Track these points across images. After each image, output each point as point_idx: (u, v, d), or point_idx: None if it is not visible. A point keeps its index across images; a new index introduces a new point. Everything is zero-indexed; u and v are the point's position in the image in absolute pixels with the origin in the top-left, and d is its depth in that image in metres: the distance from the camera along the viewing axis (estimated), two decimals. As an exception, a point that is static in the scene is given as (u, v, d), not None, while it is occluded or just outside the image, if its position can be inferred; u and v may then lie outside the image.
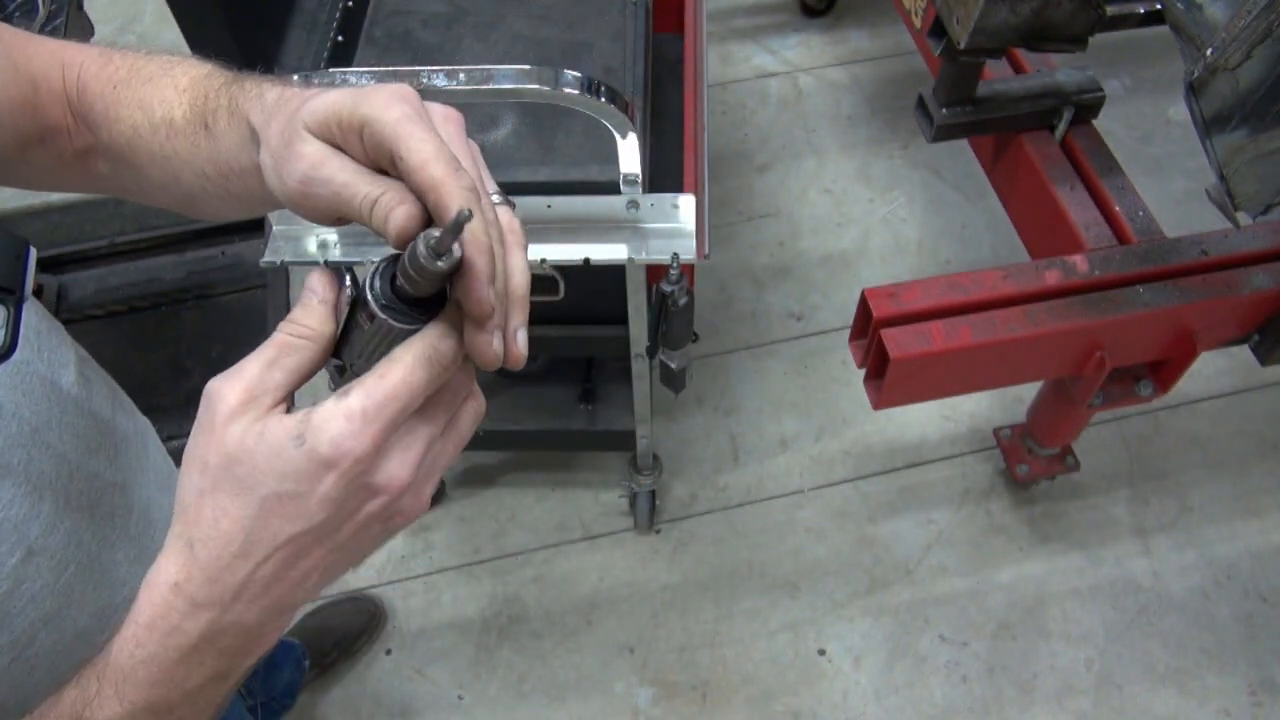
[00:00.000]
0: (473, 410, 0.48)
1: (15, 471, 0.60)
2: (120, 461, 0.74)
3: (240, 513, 0.44)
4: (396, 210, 0.45)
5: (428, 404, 0.45)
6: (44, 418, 0.64)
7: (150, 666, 0.47)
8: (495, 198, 0.50)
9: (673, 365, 1.45)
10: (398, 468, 0.44)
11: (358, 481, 0.44)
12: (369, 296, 0.45)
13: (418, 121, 0.46)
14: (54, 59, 0.70)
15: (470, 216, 0.42)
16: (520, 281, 0.47)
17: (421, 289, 0.44)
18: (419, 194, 0.45)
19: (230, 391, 0.44)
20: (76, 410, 0.68)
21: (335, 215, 0.50)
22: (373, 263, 0.46)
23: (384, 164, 0.47)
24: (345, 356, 0.47)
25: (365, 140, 0.47)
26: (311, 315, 0.46)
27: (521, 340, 0.47)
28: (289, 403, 0.45)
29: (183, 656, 0.47)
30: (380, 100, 0.47)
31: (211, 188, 0.64)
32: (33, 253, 0.53)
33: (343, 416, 0.42)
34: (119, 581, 0.71)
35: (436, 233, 0.42)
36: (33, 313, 0.67)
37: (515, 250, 0.47)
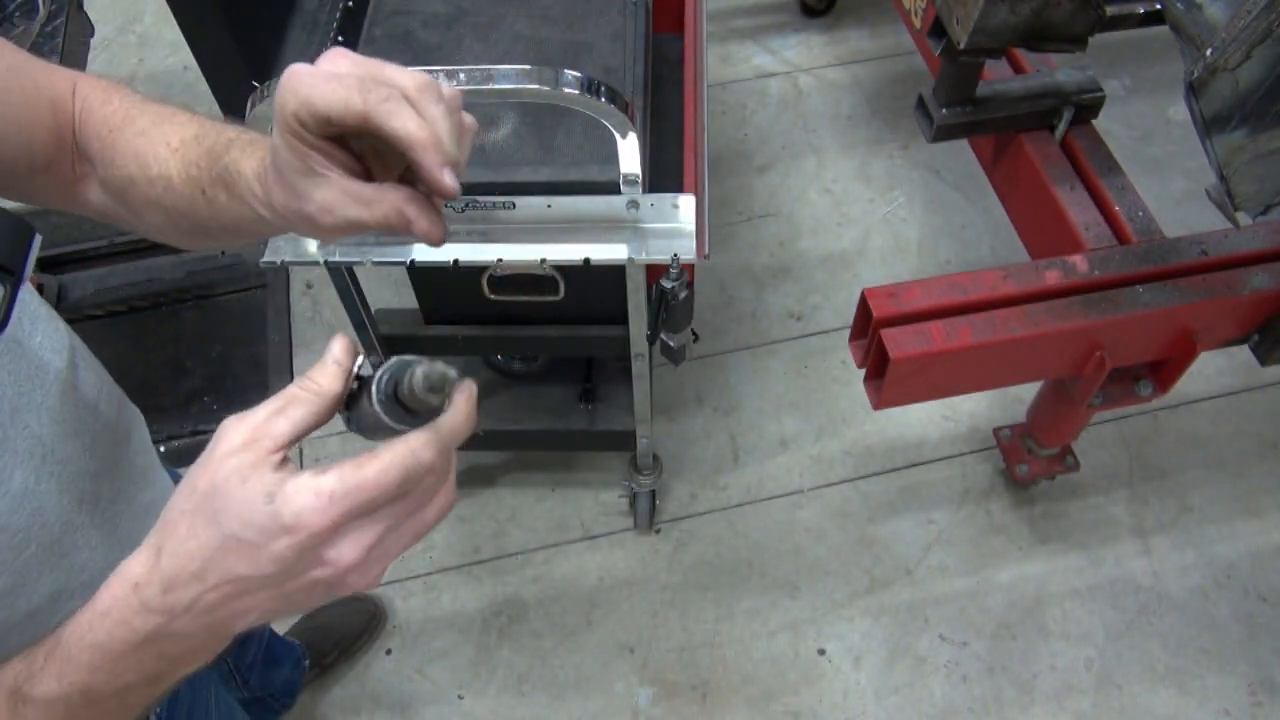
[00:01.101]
0: (440, 506, 0.51)
1: None
2: (97, 451, 0.75)
3: (206, 539, 0.47)
4: (417, 223, 0.55)
5: (394, 503, 0.48)
6: (26, 399, 0.66)
7: (95, 653, 0.50)
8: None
9: (672, 344, 1.47)
10: (349, 548, 0.47)
11: (310, 552, 0.46)
12: (374, 390, 0.48)
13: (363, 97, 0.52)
14: (66, 85, 0.73)
15: (456, 378, 0.48)
16: (447, 132, 0.53)
17: (416, 406, 0.48)
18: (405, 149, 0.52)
19: (235, 431, 0.48)
20: (60, 397, 0.70)
21: (359, 234, 0.58)
22: (395, 358, 0.50)
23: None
24: (352, 423, 0.51)
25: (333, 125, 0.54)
26: (324, 375, 0.50)
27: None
28: (287, 450, 0.48)
29: (126, 650, 0.50)
30: (322, 88, 0.53)
31: (214, 232, 0.70)
32: (37, 239, 0.55)
33: (312, 492, 0.45)
34: (78, 567, 0.73)
35: (432, 372, 0.46)
36: (33, 299, 0.69)
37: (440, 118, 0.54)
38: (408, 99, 0.53)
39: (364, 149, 0.58)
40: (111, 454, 0.78)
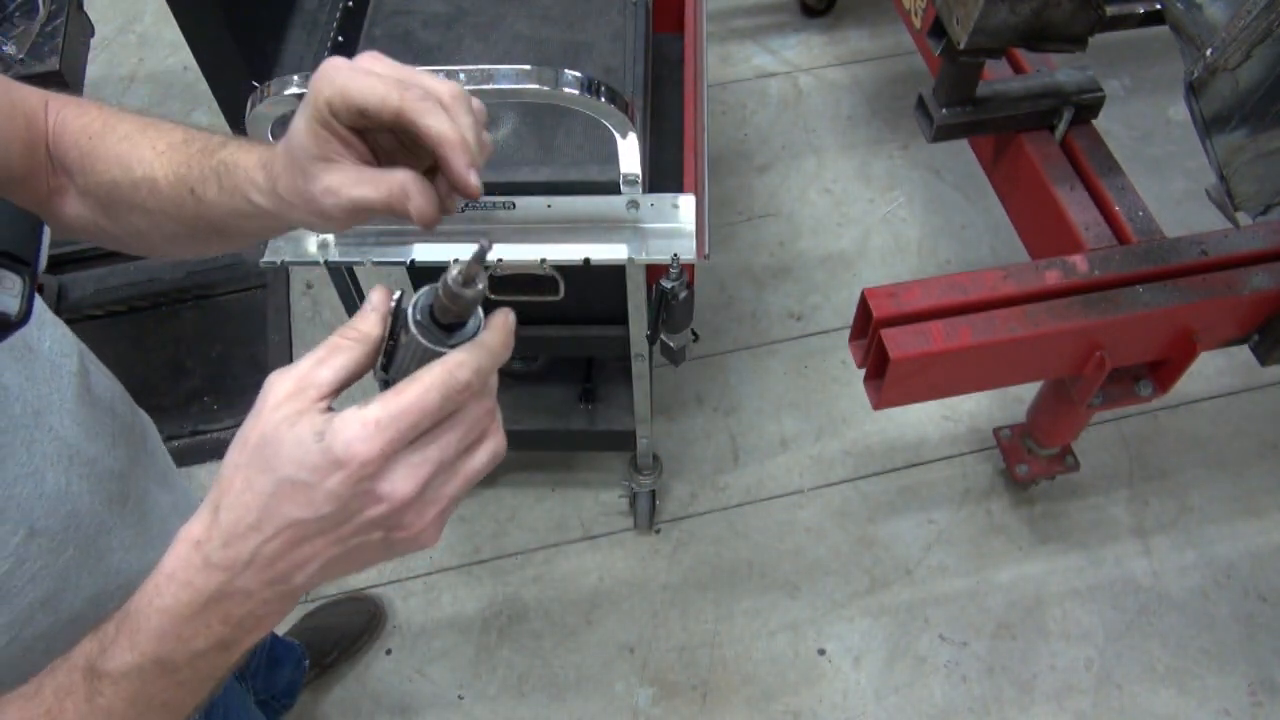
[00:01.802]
0: (490, 449, 0.52)
1: (18, 452, 0.63)
2: (118, 451, 0.76)
3: (261, 488, 0.48)
4: (414, 197, 0.56)
5: (442, 430, 0.49)
6: (46, 401, 0.66)
7: (163, 617, 0.50)
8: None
9: (672, 344, 1.48)
10: (401, 481, 0.47)
11: (363, 485, 0.47)
12: (409, 313, 0.50)
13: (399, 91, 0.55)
14: (39, 99, 0.74)
15: (489, 247, 0.48)
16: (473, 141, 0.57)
17: (453, 315, 0.49)
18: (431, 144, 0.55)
19: (281, 383, 0.49)
20: (77, 398, 0.70)
21: (359, 220, 0.60)
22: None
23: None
24: (389, 371, 0.52)
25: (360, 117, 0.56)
26: (363, 321, 0.51)
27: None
28: (332, 399, 0.49)
29: (192, 613, 0.50)
30: (360, 81, 0.56)
31: (198, 235, 0.71)
32: (46, 230, 0.56)
33: (358, 423, 0.46)
34: (114, 569, 0.73)
35: (461, 265, 0.48)
36: (39, 301, 0.69)
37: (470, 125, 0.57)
38: (441, 104, 0.56)
39: (384, 148, 0.61)
40: (132, 454, 0.79)
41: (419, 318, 0.50)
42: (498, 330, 0.51)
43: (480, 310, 0.52)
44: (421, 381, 0.47)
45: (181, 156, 0.68)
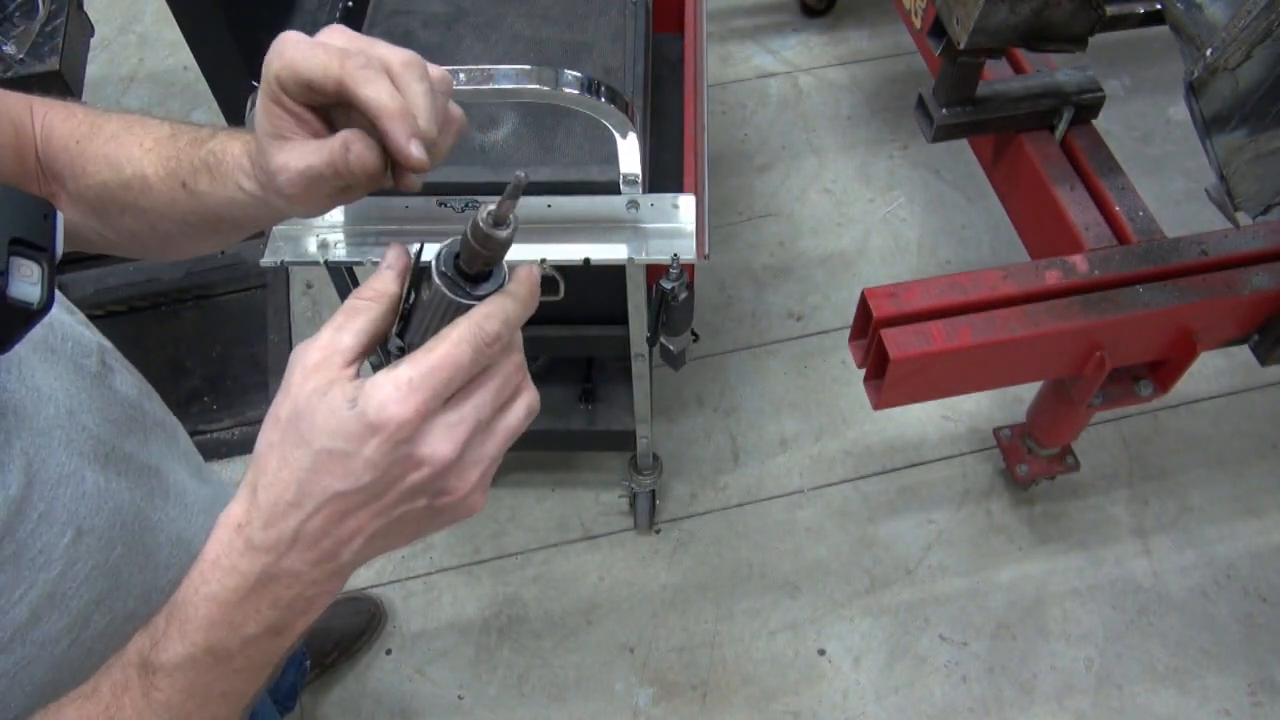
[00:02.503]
0: (525, 404, 0.51)
1: (57, 452, 0.62)
2: (151, 445, 0.76)
3: (298, 464, 0.47)
4: (353, 147, 0.54)
5: (476, 388, 0.48)
6: (77, 400, 0.66)
7: (211, 605, 0.49)
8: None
9: (672, 348, 1.47)
10: (440, 441, 0.47)
11: (401, 449, 0.46)
12: (433, 266, 0.48)
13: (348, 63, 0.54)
14: (24, 105, 0.73)
15: (526, 179, 0.47)
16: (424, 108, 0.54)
17: (482, 260, 0.48)
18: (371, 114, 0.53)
19: (306, 355, 0.48)
20: (104, 395, 0.70)
21: (327, 196, 0.59)
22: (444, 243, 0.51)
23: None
24: (406, 337, 0.50)
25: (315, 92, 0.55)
26: (379, 280, 0.50)
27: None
28: (359, 364, 0.48)
29: (240, 599, 0.49)
30: (306, 53, 0.54)
31: (192, 232, 0.70)
32: (60, 215, 0.54)
33: (390, 384, 0.45)
34: (161, 564, 0.73)
35: (492, 206, 0.46)
36: (58, 295, 0.68)
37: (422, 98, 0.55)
38: (390, 73, 0.53)
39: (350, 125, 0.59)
40: (166, 449, 0.78)
41: (443, 268, 0.48)
42: (523, 280, 0.50)
43: (504, 264, 0.50)
44: (449, 338, 0.46)
45: (169, 151, 0.67)
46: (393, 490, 0.47)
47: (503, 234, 0.47)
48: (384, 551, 0.51)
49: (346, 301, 0.49)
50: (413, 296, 0.50)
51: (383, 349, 0.51)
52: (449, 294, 0.48)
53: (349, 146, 0.54)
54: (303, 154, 0.56)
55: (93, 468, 0.65)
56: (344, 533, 0.48)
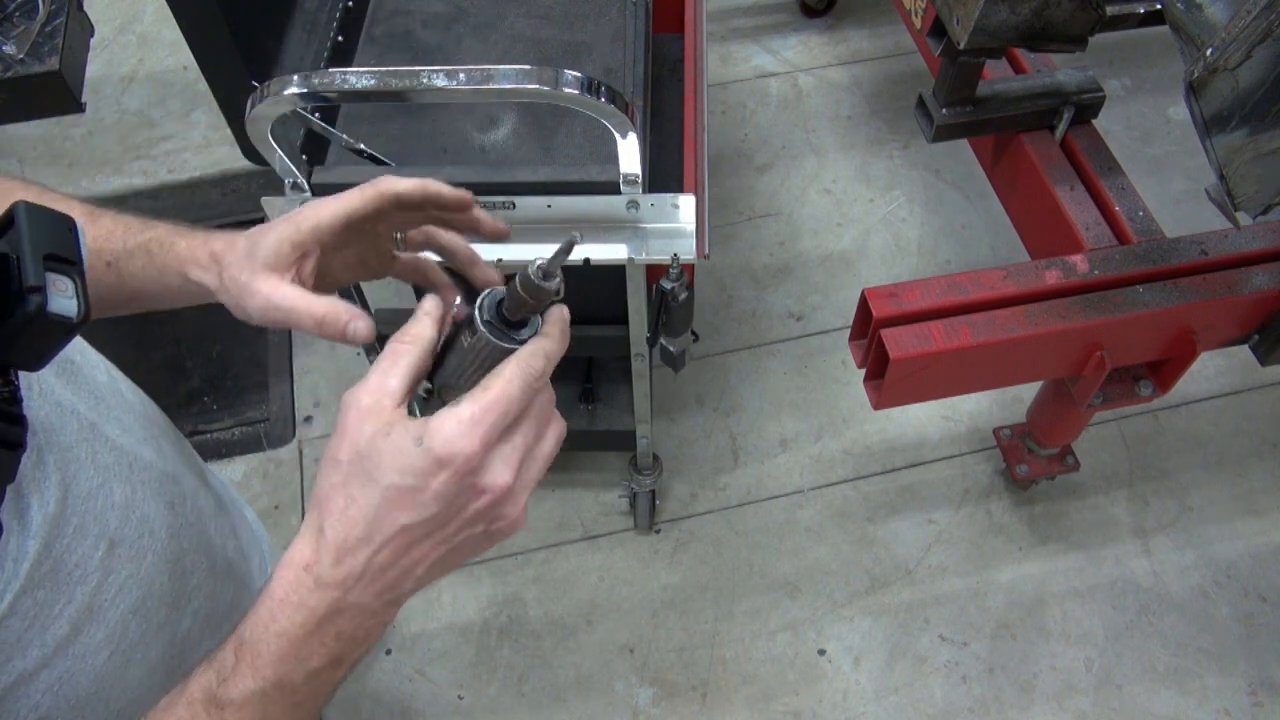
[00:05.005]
0: (556, 432, 0.55)
1: (85, 466, 0.63)
2: (166, 453, 0.77)
3: (366, 501, 0.50)
4: (355, 323, 0.60)
5: (521, 420, 0.52)
6: (96, 413, 0.68)
7: (281, 641, 0.51)
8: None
9: (672, 349, 1.47)
10: (501, 469, 0.51)
11: (466, 480, 0.49)
12: (477, 316, 0.53)
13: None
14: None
15: (578, 240, 0.53)
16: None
17: (528, 309, 0.53)
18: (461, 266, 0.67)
19: (355, 399, 0.51)
20: (118, 404, 0.71)
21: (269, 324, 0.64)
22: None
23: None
24: (436, 379, 0.55)
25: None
26: (417, 325, 0.55)
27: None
28: (405, 404, 0.52)
29: (308, 634, 0.51)
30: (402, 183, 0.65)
31: (100, 304, 0.72)
32: (81, 226, 0.55)
33: (454, 420, 0.49)
34: (186, 570, 0.75)
35: (542, 260, 0.51)
36: None
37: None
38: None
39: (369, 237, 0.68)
40: (177, 456, 0.80)
41: (487, 317, 0.53)
42: (556, 322, 0.55)
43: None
44: (503, 376, 0.50)
45: (99, 232, 0.69)
46: (456, 519, 0.51)
47: (550, 285, 0.52)
48: (438, 578, 0.54)
49: (388, 346, 0.53)
50: (448, 344, 0.55)
51: None
52: (494, 340, 0.53)
53: (356, 320, 0.60)
54: (289, 297, 0.61)
55: (119, 479, 0.67)
56: (408, 563, 0.51)
